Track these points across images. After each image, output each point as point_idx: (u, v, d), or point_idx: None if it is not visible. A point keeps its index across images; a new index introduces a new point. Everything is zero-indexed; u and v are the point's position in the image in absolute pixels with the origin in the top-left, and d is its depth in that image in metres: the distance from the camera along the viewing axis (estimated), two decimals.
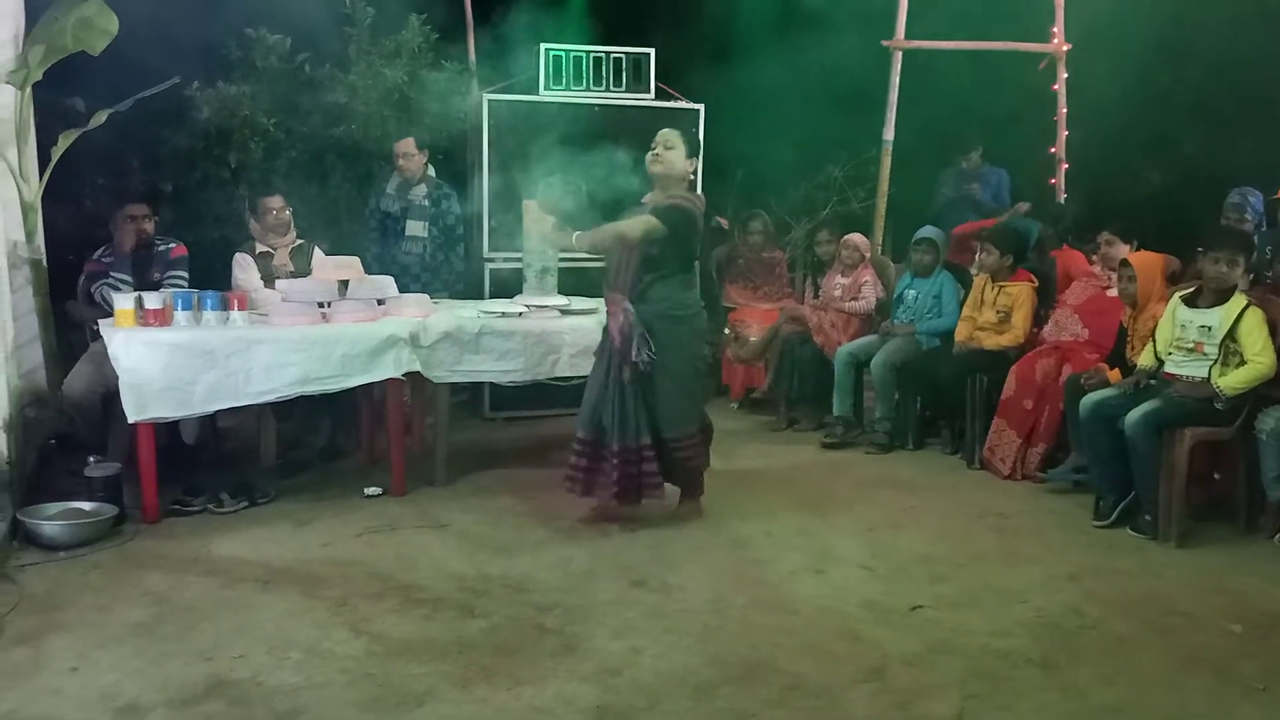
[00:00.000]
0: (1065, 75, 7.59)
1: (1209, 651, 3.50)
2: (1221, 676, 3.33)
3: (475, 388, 6.45)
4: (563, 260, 5.83)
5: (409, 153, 6.21)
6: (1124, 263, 5.11)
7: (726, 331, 7.16)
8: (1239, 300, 4.55)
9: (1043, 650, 3.48)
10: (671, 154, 4.41)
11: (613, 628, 3.60)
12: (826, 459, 5.97)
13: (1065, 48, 7.54)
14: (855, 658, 3.41)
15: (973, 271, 6.30)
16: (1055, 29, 7.53)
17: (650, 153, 4.44)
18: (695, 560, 4.23)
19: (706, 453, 4.74)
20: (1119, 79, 7.86)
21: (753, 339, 6.90)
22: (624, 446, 4.42)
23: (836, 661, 3.39)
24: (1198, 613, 3.80)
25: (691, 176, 4.54)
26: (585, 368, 5.27)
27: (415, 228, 6.25)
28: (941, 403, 6.13)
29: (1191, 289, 4.79)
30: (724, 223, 7.80)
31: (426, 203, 6.26)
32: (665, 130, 4.50)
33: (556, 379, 5.35)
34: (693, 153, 4.47)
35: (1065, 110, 7.63)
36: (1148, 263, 5.08)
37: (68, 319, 5.44)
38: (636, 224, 4.32)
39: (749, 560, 4.25)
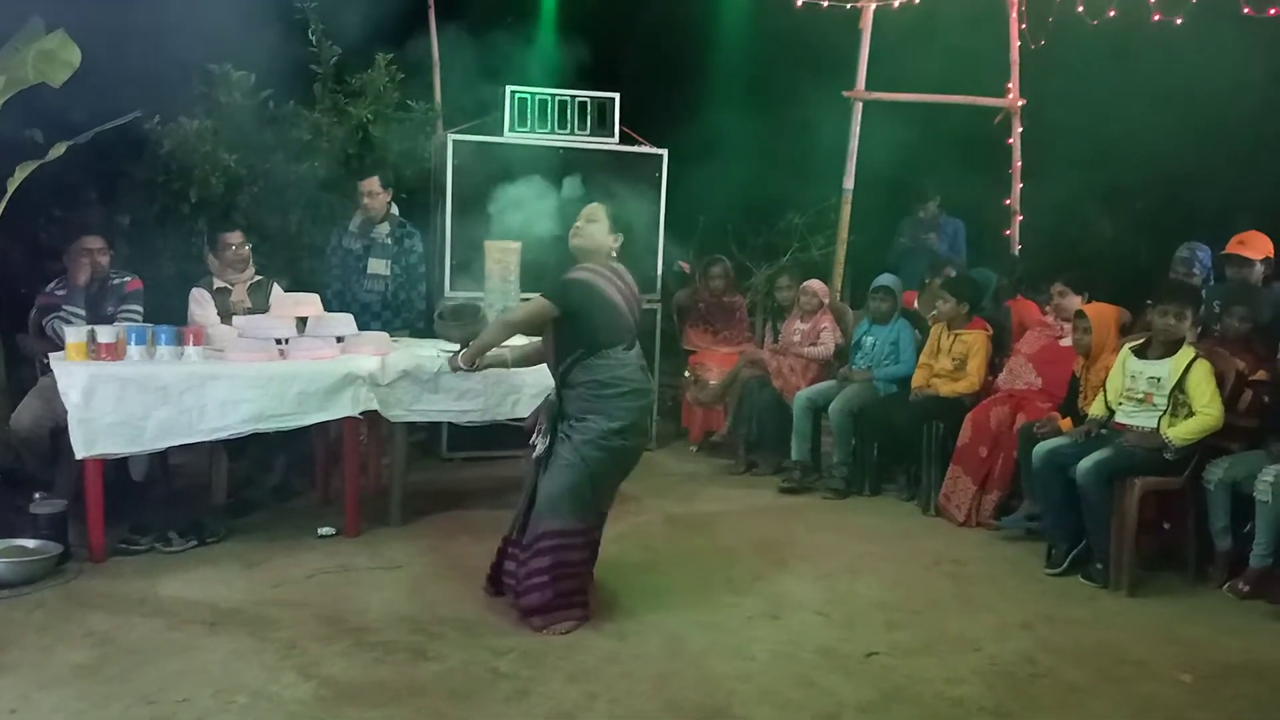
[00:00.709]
0: (1020, 129, 7.76)
1: (1160, 700, 3.53)
2: None
3: (433, 427, 6.41)
4: (526, 299, 5.81)
5: (373, 191, 6.21)
6: (1079, 314, 5.20)
7: (686, 374, 7.18)
8: (1187, 352, 4.65)
9: (996, 698, 3.49)
10: (593, 228, 4.06)
11: (568, 672, 3.57)
12: (784, 503, 5.98)
13: (1020, 103, 7.71)
14: (811, 704, 3.40)
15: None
16: (1010, 85, 7.70)
17: (573, 227, 4.11)
18: (651, 604, 4.21)
19: (582, 557, 4.02)
20: (1073, 133, 8.06)
21: (712, 382, 6.92)
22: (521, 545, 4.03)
23: (792, 708, 3.38)
24: (1149, 662, 3.84)
25: (614, 253, 4.08)
26: None
27: (377, 265, 6.23)
28: (898, 449, 6.16)
29: (1141, 340, 4.88)
30: (685, 267, 7.86)
31: (389, 241, 6.25)
32: (592, 204, 4.18)
33: (516, 420, 5.32)
34: (619, 229, 4.10)
35: (1020, 163, 7.79)
36: (1102, 314, 5.17)
37: (18, 352, 5.35)
38: (522, 309, 4.08)
39: (705, 604, 4.24)
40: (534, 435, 4.05)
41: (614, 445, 3.91)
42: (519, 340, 4.31)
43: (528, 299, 4.19)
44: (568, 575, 3.93)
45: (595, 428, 3.88)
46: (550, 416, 4.01)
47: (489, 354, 4.17)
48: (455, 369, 4.26)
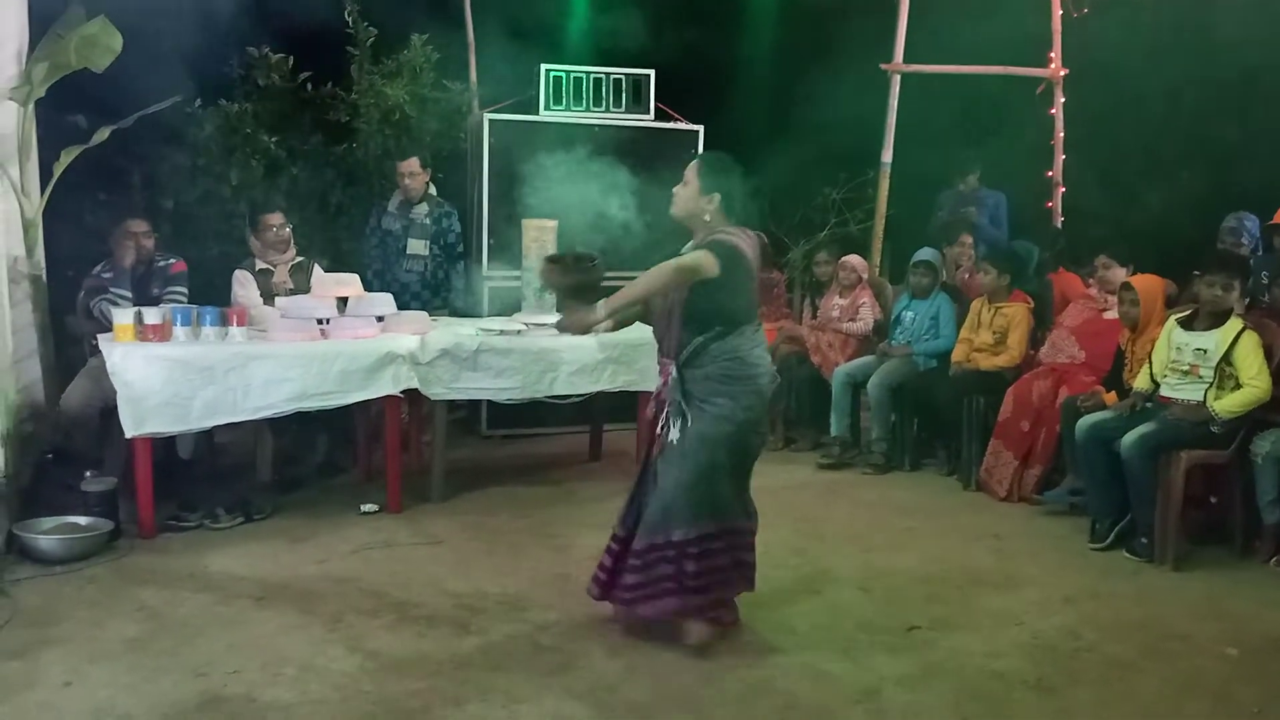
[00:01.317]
0: (1062, 99, 7.63)
1: (1205, 676, 3.49)
2: (1218, 701, 3.32)
3: (473, 405, 6.46)
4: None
5: (414, 172, 6.24)
6: (1126, 285, 5.13)
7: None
8: (1235, 324, 4.57)
9: (1038, 673, 3.48)
10: (684, 190, 3.61)
11: (609, 645, 3.59)
12: (823, 479, 5.97)
13: (1062, 73, 7.58)
14: (851, 678, 3.41)
15: None
16: (1052, 54, 7.57)
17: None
18: None
19: (721, 564, 3.58)
20: (1116, 103, 7.92)
21: None
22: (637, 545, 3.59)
23: (832, 682, 3.38)
24: (1194, 636, 3.80)
25: (709, 218, 3.58)
26: (583, 386, 5.31)
27: (416, 246, 6.27)
28: (938, 424, 6.13)
29: (1188, 312, 4.81)
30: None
31: (428, 221, 6.29)
32: (691, 163, 3.67)
33: (554, 397, 5.36)
34: (712, 188, 3.56)
35: (1062, 134, 7.67)
36: (1149, 286, 5.09)
37: (67, 334, 5.45)
38: (684, 262, 3.46)
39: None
40: (661, 420, 3.61)
41: (745, 435, 3.54)
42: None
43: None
44: (694, 589, 3.50)
45: (717, 413, 3.47)
46: (678, 397, 3.54)
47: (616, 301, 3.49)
48: (576, 327, 3.56)
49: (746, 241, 3.58)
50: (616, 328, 3.80)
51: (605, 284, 3.59)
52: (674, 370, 3.55)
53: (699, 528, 3.50)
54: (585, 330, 3.57)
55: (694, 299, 3.47)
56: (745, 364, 3.51)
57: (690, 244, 3.63)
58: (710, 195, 3.57)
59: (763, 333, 3.66)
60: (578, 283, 3.58)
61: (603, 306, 3.47)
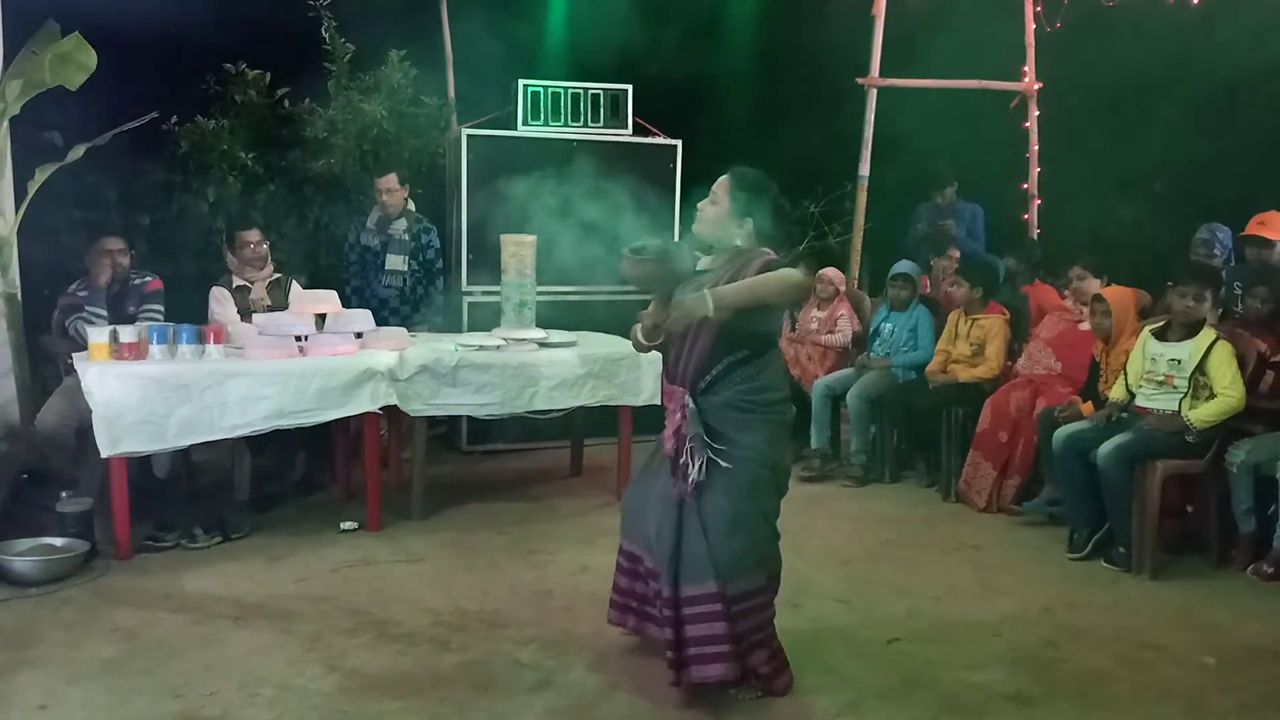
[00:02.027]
0: (1036, 113, 7.71)
1: (1182, 685, 3.51)
2: (1195, 711, 3.34)
3: (453, 421, 6.45)
4: (541, 294, 5.83)
5: (391, 188, 6.24)
6: (1098, 297, 5.17)
7: None
8: (1208, 334, 4.62)
9: (1017, 684, 3.49)
10: (713, 210, 3.36)
11: (589, 662, 3.58)
12: (804, 492, 5.97)
13: (1036, 86, 7.66)
14: (831, 691, 3.41)
15: None
16: (1026, 68, 7.65)
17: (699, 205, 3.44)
18: None
19: (769, 617, 3.36)
20: (1090, 116, 8.00)
21: None
22: (675, 594, 3.27)
23: (813, 695, 3.38)
24: (1171, 646, 3.82)
25: (741, 243, 3.33)
26: (563, 401, 5.31)
27: (395, 262, 6.26)
28: (918, 435, 6.16)
29: (1161, 323, 4.85)
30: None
31: (406, 237, 6.28)
32: (720, 178, 3.40)
33: (534, 412, 5.35)
34: (742, 213, 3.32)
35: (1037, 147, 7.74)
36: (1121, 297, 5.14)
37: (42, 353, 5.41)
38: (785, 279, 3.17)
39: None
40: (682, 458, 3.26)
41: (776, 471, 3.32)
42: None
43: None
44: (761, 643, 3.31)
45: (753, 455, 3.23)
46: (699, 432, 3.24)
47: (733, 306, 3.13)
48: (687, 316, 3.15)
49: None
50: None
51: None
52: (689, 400, 3.26)
53: (764, 573, 3.32)
54: (693, 319, 3.17)
55: (736, 319, 3.16)
56: (765, 390, 3.27)
57: (712, 262, 3.38)
58: (742, 220, 3.33)
59: (781, 355, 3.46)
60: (663, 273, 3.26)
61: (711, 296, 3.10)
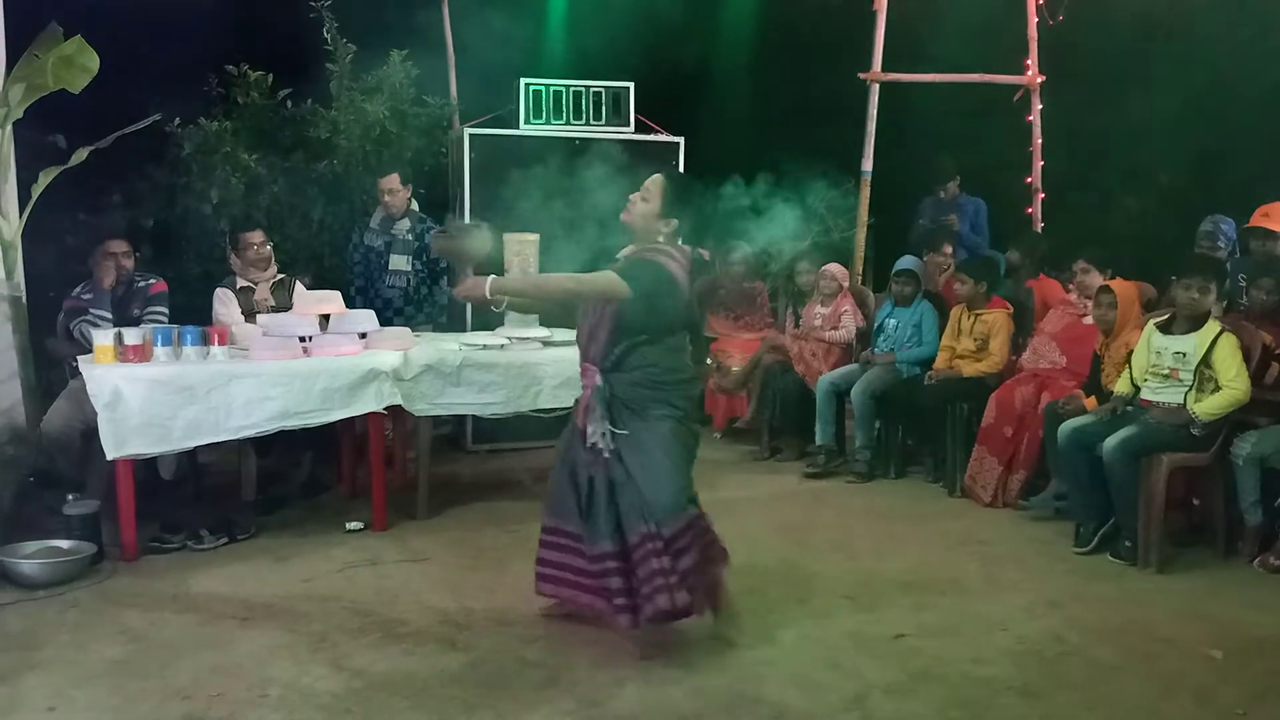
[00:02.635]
0: (1040, 106, 7.69)
1: (1189, 678, 3.51)
2: (1202, 703, 3.34)
3: (457, 420, 6.45)
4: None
5: (393, 189, 6.25)
6: (1105, 289, 5.16)
7: (708, 361, 7.18)
8: (1213, 327, 4.61)
9: (1024, 678, 3.49)
10: (644, 207, 3.66)
11: (595, 659, 3.59)
12: (809, 488, 5.98)
13: (1039, 79, 7.64)
14: (838, 686, 3.41)
15: None
16: (1029, 61, 7.63)
17: (628, 199, 3.74)
18: None
19: (706, 545, 3.71)
20: (1093, 109, 7.99)
21: (735, 369, 6.93)
22: (597, 551, 3.65)
23: (820, 691, 3.38)
24: (1178, 639, 3.82)
25: (661, 240, 3.68)
26: (567, 399, 5.27)
27: (399, 262, 6.27)
28: (922, 431, 6.15)
29: (1166, 316, 4.84)
30: (705, 254, 7.83)
31: (410, 237, 6.28)
32: (654, 176, 3.73)
33: (539, 411, 5.35)
34: (672, 213, 3.66)
35: (1040, 140, 7.72)
36: (1125, 290, 5.13)
37: (47, 356, 5.42)
38: (591, 280, 3.63)
39: (732, 590, 4.24)
40: (586, 424, 3.65)
41: (687, 433, 3.66)
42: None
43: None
44: (700, 571, 3.63)
45: (665, 421, 3.58)
46: (603, 401, 3.61)
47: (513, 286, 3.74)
48: (464, 293, 3.66)
49: (678, 259, 3.64)
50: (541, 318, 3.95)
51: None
52: (599, 378, 3.62)
53: (675, 523, 3.59)
54: (477, 300, 3.65)
55: (622, 310, 3.55)
56: (670, 371, 3.62)
57: (624, 251, 3.76)
58: (668, 220, 3.66)
59: (685, 341, 3.75)
60: (460, 247, 3.72)
61: (496, 284, 3.59)
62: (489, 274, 3.64)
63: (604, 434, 3.59)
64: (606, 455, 3.60)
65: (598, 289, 3.60)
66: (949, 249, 6.90)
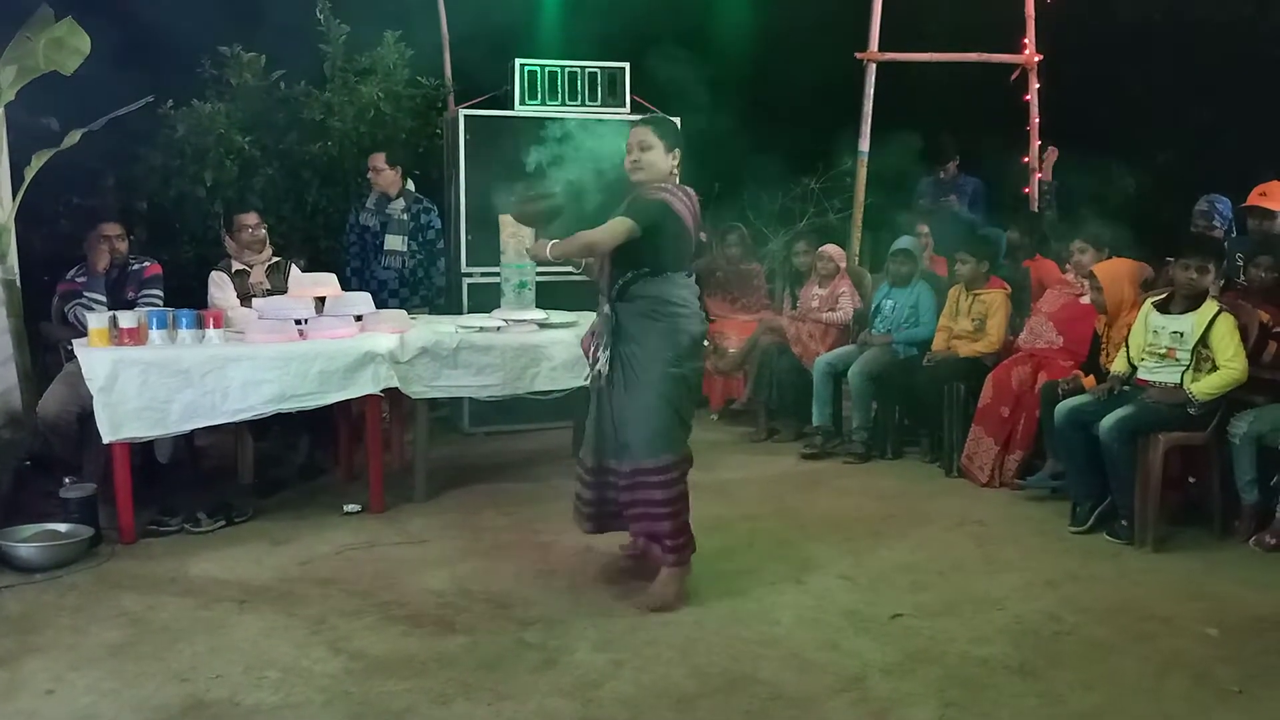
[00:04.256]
0: (1037, 85, 7.66)
1: (1186, 656, 3.52)
2: (1199, 681, 3.35)
3: (454, 403, 6.44)
4: (541, 274, 5.82)
5: (379, 167, 6.25)
6: (1090, 274, 5.16)
7: (705, 343, 7.17)
8: (1210, 306, 4.60)
9: (1021, 657, 3.50)
10: (650, 155, 3.85)
11: (593, 641, 3.59)
12: (806, 469, 5.99)
13: (1036, 58, 7.61)
14: (835, 667, 3.42)
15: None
16: (1026, 40, 7.59)
17: (628, 159, 3.89)
18: None
19: (685, 497, 3.93)
20: (1091, 87, 7.95)
21: (731, 350, 6.91)
22: (599, 465, 4.03)
23: (817, 671, 3.39)
24: (1175, 617, 3.83)
25: (675, 171, 3.93)
26: (565, 381, 5.30)
27: (394, 242, 6.26)
28: (919, 411, 6.16)
29: (1164, 295, 4.84)
30: (702, 235, 7.83)
31: (405, 217, 6.27)
32: (637, 127, 3.91)
33: (536, 393, 5.35)
34: (674, 144, 3.90)
35: (1038, 120, 7.69)
36: (1114, 271, 5.12)
37: (42, 340, 5.41)
38: (605, 229, 3.78)
39: (729, 571, 4.25)
40: (592, 353, 3.95)
41: (684, 372, 3.84)
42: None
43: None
44: (668, 515, 3.86)
45: (660, 356, 3.79)
46: (609, 330, 3.87)
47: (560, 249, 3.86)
48: (533, 254, 3.97)
49: (682, 199, 3.86)
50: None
51: (579, 276, 4.15)
52: (607, 306, 3.87)
53: (674, 455, 3.85)
54: (542, 261, 3.92)
55: (622, 246, 3.77)
56: (668, 303, 3.81)
57: (631, 196, 3.91)
58: (674, 151, 3.90)
59: (690, 280, 3.99)
60: (533, 211, 3.99)
61: (552, 247, 3.80)
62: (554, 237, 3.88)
63: (606, 360, 3.86)
64: (601, 384, 3.90)
65: (613, 234, 3.75)
66: (924, 228, 6.91)
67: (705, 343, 4.05)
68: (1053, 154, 7.25)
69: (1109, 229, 5.68)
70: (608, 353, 3.87)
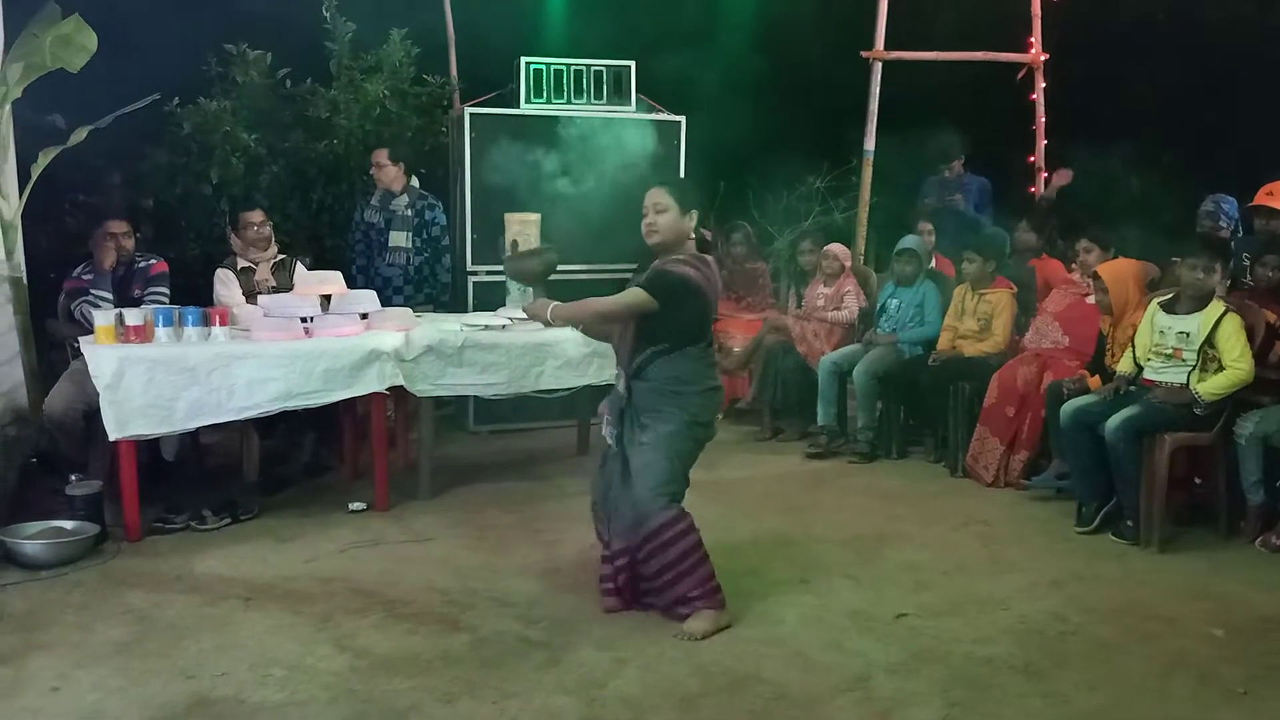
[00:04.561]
0: (1043, 85, 7.64)
1: (1191, 656, 3.52)
2: (1204, 681, 3.34)
3: (459, 401, 6.45)
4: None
5: (381, 163, 6.26)
6: (1095, 275, 5.15)
7: (719, 415, 7.15)
8: (1217, 306, 4.59)
9: (1026, 657, 3.49)
10: (664, 218, 3.68)
11: (598, 640, 3.60)
12: (811, 469, 5.98)
13: (1043, 58, 7.59)
14: (840, 667, 3.42)
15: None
16: (1032, 39, 7.58)
17: (644, 222, 3.71)
18: None
19: (700, 545, 3.74)
20: (1097, 87, 7.94)
21: (736, 349, 6.91)
22: (609, 543, 3.85)
23: (821, 671, 3.39)
24: (1180, 618, 3.82)
25: (693, 236, 3.78)
26: (569, 380, 5.30)
27: (398, 238, 6.26)
28: (924, 411, 6.15)
29: (1170, 295, 4.83)
30: (707, 234, 7.83)
31: (409, 213, 6.27)
32: (652, 190, 3.74)
33: (541, 391, 5.35)
34: (690, 205, 3.73)
35: (1044, 119, 7.67)
36: (1118, 272, 5.11)
37: (48, 337, 5.42)
38: (619, 300, 3.70)
39: (733, 570, 4.24)
40: (604, 425, 3.83)
41: (695, 434, 3.74)
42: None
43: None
44: (700, 561, 3.70)
45: (675, 419, 3.67)
46: (618, 410, 3.78)
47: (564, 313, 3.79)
48: (531, 313, 3.86)
49: (699, 270, 3.71)
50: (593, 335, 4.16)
51: (585, 276, 3.81)
52: (622, 383, 3.76)
53: (678, 508, 3.70)
54: (541, 321, 3.82)
55: (642, 320, 3.68)
56: (685, 381, 3.70)
57: (650, 267, 3.76)
58: (690, 212, 3.73)
59: (710, 351, 3.87)
60: (529, 268, 4.01)
61: (556, 310, 3.72)
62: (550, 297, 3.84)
63: (614, 435, 3.77)
64: (613, 450, 3.78)
65: (626, 305, 3.68)
66: (926, 226, 6.91)
67: (719, 415, 3.97)
68: (1063, 176, 7.18)
69: (1114, 229, 5.67)
70: (617, 429, 3.77)
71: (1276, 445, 4.49)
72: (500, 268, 6.00)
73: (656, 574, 3.70)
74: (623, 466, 3.76)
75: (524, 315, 5.26)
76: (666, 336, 3.68)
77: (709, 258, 3.84)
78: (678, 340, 3.69)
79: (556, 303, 3.76)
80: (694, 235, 3.79)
